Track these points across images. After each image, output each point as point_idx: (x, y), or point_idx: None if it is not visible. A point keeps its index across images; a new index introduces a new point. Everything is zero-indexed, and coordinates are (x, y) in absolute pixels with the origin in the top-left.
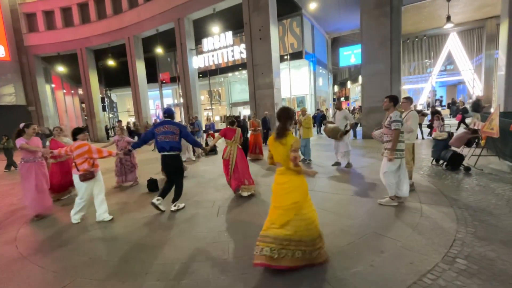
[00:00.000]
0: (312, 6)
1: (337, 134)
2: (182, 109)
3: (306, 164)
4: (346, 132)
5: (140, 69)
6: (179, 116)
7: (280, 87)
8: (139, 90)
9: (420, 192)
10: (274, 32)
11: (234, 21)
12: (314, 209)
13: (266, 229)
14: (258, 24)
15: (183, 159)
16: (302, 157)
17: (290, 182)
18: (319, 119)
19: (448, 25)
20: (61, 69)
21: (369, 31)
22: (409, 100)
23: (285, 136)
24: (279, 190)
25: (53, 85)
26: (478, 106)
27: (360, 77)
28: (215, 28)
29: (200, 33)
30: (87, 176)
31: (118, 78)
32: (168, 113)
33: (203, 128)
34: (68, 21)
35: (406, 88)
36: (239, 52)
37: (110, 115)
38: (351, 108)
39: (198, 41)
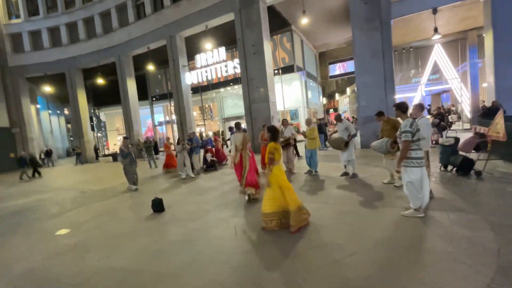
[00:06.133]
0: (304, 21)
1: (341, 145)
2: (175, 125)
3: (312, 175)
4: (348, 142)
5: (131, 87)
6: (172, 133)
7: (275, 100)
8: (130, 108)
9: (439, 199)
10: (267, 47)
11: (226, 37)
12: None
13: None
14: (251, 39)
15: (182, 176)
16: (308, 168)
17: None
18: (324, 127)
19: (436, 36)
20: (47, 89)
21: (361, 44)
22: (419, 107)
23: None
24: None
25: (38, 106)
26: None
27: (347, 89)
28: (207, 44)
29: (192, 49)
30: None
31: (107, 97)
32: None
33: (200, 144)
34: (56, 41)
35: (394, 97)
36: (233, 67)
37: (99, 135)
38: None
39: (190, 57)
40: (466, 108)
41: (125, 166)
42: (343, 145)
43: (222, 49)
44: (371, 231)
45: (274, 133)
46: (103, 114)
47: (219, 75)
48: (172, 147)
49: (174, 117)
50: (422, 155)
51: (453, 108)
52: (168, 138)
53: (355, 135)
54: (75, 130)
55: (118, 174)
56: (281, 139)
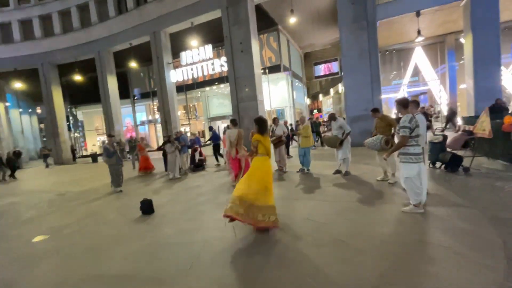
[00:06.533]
0: (292, 21)
1: (336, 143)
2: (158, 125)
3: (305, 174)
4: (342, 141)
5: (111, 84)
6: (156, 133)
7: (263, 99)
8: (111, 107)
9: (434, 195)
10: (255, 45)
11: (212, 35)
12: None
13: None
14: (239, 37)
15: (170, 176)
16: (299, 167)
17: (270, 168)
18: (317, 126)
19: (420, 38)
20: (18, 85)
21: (348, 44)
22: (415, 103)
23: (266, 135)
24: (265, 174)
25: (7, 104)
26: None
27: (331, 90)
28: (193, 41)
29: (178, 46)
30: None
31: (85, 95)
32: None
33: (188, 143)
34: (28, 34)
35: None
36: (220, 65)
37: (76, 135)
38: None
39: (175, 55)
40: (444, 109)
41: (110, 166)
42: (338, 143)
43: (209, 47)
44: (374, 228)
45: (261, 124)
46: (81, 113)
47: (206, 73)
48: (149, 148)
49: (157, 116)
50: (420, 151)
51: (432, 109)
52: (142, 138)
53: (349, 133)
54: (49, 130)
55: (99, 175)
56: (273, 138)
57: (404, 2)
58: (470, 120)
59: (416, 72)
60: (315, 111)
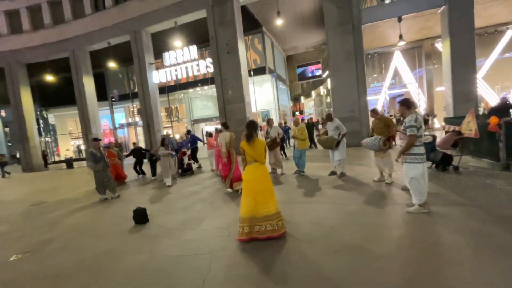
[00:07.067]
0: (279, 22)
1: (332, 144)
2: (139, 128)
3: (301, 176)
4: (339, 142)
5: (88, 85)
6: (136, 136)
7: (250, 101)
8: (88, 109)
9: (433, 194)
10: (241, 47)
11: (197, 35)
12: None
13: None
14: (225, 38)
15: (167, 184)
16: (296, 169)
17: (265, 173)
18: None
19: (401, 42)
20: None
21: (335, 46)
22: (412, 103)
23: (254, 141)
24: (257, 183)
25: None
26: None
27: (313, 92)
28: (177, 42)
29: (160, 46)
30: None
31: (57, 97)
32: None
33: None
34: None
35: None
36: (205, 66)
37: (47, 139)
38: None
39: (158, 55)
40: (422, 111)
41: (96, 173)
42: (335, 144)
43: (194, 48)
44: (385, 231)
45: (247, 129)
46: (52, 116)
47: (190, 74)
48: (121, 154)
49: (137, 119)
50: (423, 151)
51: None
52: (113, 143)
53: (345, 134)
54: (17, 134)
55: (77, 183)
56: (267, 140)
57: (387, 8)
58: (451, 121)
59: (394, 76)
60: (297, 113)
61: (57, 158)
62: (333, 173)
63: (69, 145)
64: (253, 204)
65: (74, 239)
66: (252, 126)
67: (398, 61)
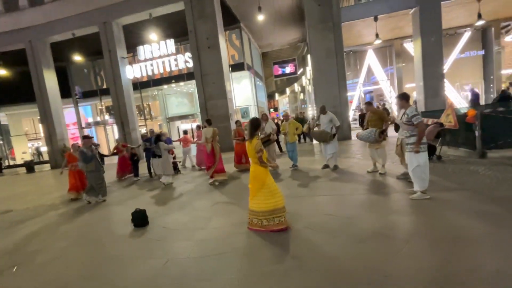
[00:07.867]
0: (260, 18)
1: (326, 137)
2: (109, 127)
3: (294, 169)
4: (334, 134)
5: (49, 80)
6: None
7: (232, 97)
8: (51, 107)
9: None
10: (222, 41)
11: (174, 29)
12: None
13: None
14: (205, 32)
15: (170, 180)
16: (292, 163)
17: (254, 171)
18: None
19: (378, 41)
20: None
21: (316, 43)
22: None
23: (252, 139)
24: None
25: None
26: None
27: (287, 89)
28: (152, 35)
29: (133, 39)
30: None
31: (10, 93)
32: None
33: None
34: None
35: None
36: (184, 61)
37: None
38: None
39: (131, 49)
40: (394, 107)
41: (88, 173)
42: (329, 137)
43: (171, 41)
44: (399, 217)
45: (249, 129)
46: (4, 115)
47: (168, 69)
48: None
49: (107, 117)
50: (426, 140)
51: (380, 107)
52: (74, 146)
53: (339, 127)
54: None
55: (45, 188)
56: (262, 136)
57: (364, 7)
58: (426, 115)
59: (367, 73)
60: (271, 110)
61: (12, 162)
62: (326, 166)
63: (26, 147)
64: (256, 199)
65: (67, 248)
66: (251, 125)
67: (371, 59)
